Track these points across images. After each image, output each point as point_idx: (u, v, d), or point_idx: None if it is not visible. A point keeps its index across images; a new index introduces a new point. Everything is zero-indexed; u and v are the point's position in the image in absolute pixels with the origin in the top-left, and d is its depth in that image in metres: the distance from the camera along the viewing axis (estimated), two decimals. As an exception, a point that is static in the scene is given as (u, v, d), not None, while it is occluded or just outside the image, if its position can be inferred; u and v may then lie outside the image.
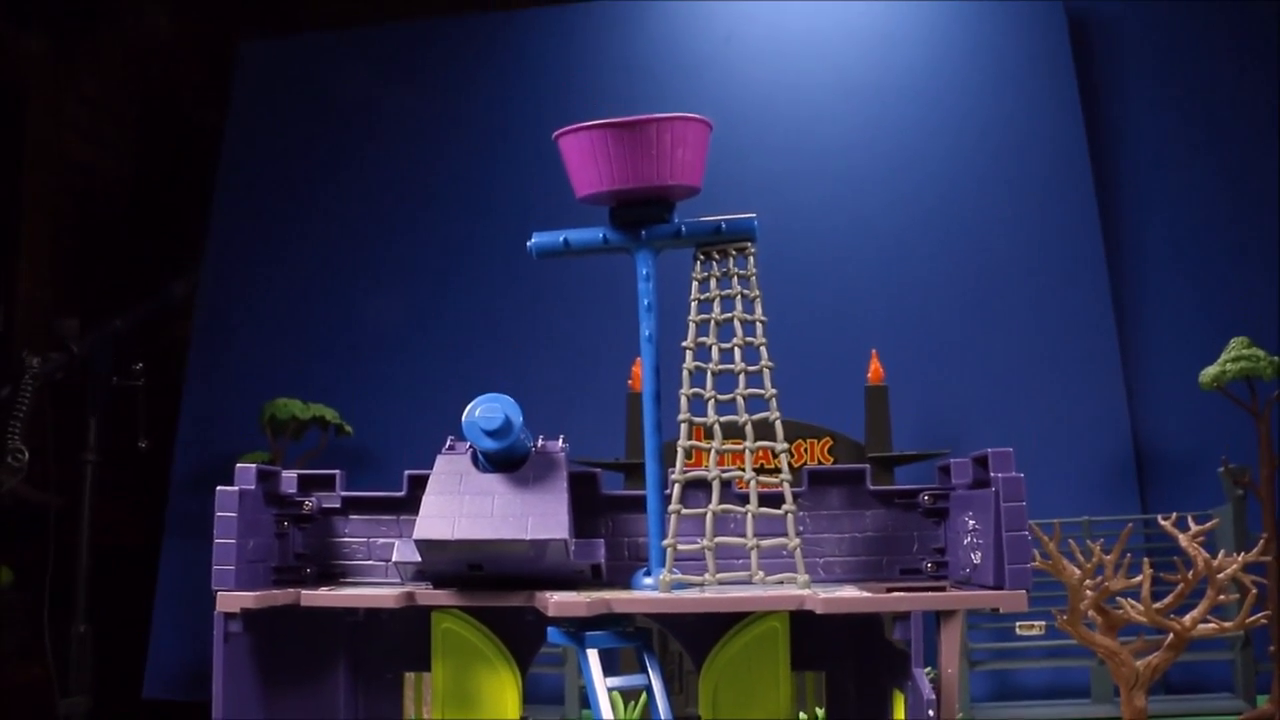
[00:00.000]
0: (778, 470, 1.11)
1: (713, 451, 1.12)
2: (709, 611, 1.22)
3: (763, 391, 1.13)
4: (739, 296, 1.15)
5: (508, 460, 1.18)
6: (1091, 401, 2.78)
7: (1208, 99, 2.96)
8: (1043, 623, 2.15)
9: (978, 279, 2.92)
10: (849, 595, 1.07)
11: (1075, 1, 3.05)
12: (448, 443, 1.25)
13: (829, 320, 2.91)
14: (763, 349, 1.14)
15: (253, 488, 1.22)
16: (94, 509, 2.48)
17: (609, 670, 1.15)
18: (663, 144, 1.08)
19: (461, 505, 1.15)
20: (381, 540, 1.32)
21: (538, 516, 1.13)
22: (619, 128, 1.07)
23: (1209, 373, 2.30)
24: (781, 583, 1.10)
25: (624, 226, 1.16)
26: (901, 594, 1.11)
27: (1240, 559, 1.75)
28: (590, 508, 1.28)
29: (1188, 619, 1.72)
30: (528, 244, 1.18)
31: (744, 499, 1.13)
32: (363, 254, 3.30)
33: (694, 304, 1.16)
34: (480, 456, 1.19)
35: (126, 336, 2.60)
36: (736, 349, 1.14)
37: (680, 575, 1.11)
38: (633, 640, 1.19)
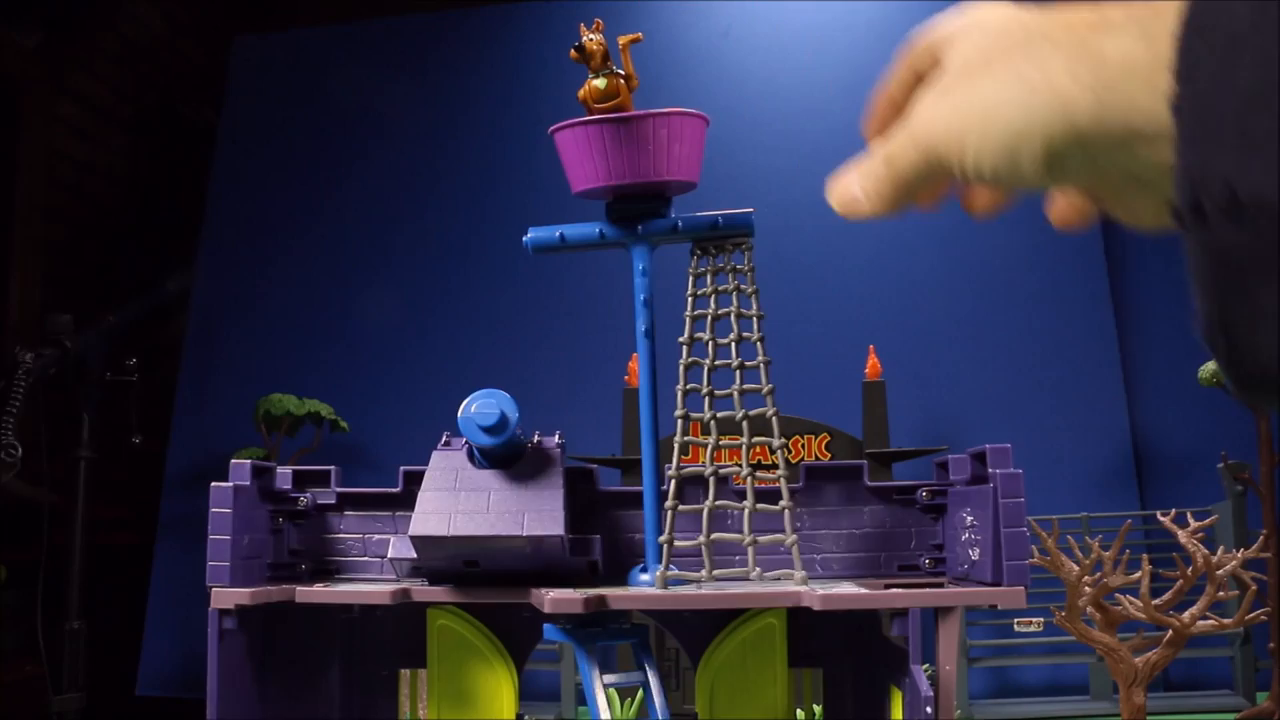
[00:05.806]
0: (775, 466, 1.10)
1: (709, 447, 1.11)
2: (705, 608, 1.21)
3: (760, 387, 1.12)
4: (736, 291, 1.14)
5: (504, 456, 1.17)
6: (1090, 397, 2.78)
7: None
8: (1041, 619, 2.15)
9: (975, 274, 2.91)
10: (846, 592, 1.07)
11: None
12: (443, 439, 1.24)
13: (826, 316, 2.90)
14: (760, 344, 1.13)
15: (248, 484, 1.21)
16: (88, 505, 2.47)
17: (606, 667, 1.14)
18: (659, 139, 1.07)
19: (457, 502, 1.14)
20: (377, 536, 1.31)
21: (534, 513, 1.12)
22: (615, 123, 1.06)
23: (1208, 368, 2.30)
24: (779, 579, 1.09)
25: (620, 221, 1.15)
26: (899, 590, 1.10)
27: (1240, 555, 1.75)
28: (587, 504, 1.27)
29: (1187, 615, 1.71)
30: (524, 239, 1.17)
31: (741, 495, 1.12)
32: (358, 249, 3.29)
33: (690, 299, 1.15)
34: (476, 452, 1.18)
35: (120, 332, 2.59)
36: (733, 344, 1.13)
37: (677, 571, 1.10)
38: (630, 637, 1.18)
